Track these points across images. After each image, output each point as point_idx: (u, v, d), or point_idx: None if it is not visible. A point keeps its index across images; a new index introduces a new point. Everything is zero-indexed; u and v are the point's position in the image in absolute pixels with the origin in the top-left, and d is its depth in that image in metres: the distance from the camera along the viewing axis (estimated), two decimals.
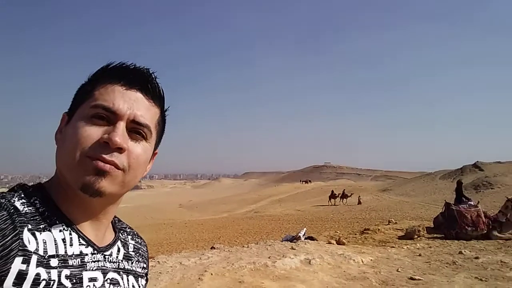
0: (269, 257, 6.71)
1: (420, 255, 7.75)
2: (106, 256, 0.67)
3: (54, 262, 0.56)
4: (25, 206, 0.59)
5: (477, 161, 46.27)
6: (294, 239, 9.77)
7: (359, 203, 29.58)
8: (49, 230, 0.59)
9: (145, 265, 0.78)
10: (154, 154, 0.72)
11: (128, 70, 0.67)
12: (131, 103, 0.64)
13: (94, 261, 0.63)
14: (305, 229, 11.11)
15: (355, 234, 12.21)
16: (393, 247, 9.01)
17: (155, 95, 0.69)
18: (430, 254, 7.89)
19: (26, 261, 0.53)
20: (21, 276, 0.52)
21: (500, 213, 10.16)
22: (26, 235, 0.55)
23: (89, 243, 0.64)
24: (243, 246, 8.51)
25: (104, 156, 0.59)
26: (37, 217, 0.59)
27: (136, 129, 0.64)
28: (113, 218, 0.74)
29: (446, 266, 6.61)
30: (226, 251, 7.84)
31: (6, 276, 0.51)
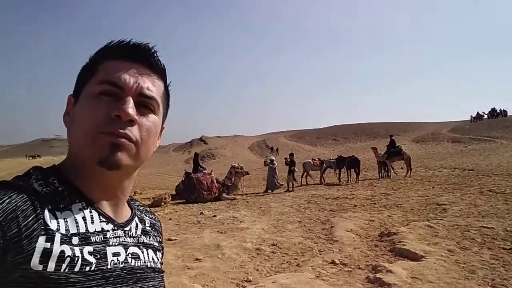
0: None
1: (170, 219, 8.60)
2: (126, 232, 0.69)
3: (75, 240, 0.57)
4: (43, 187, 0.59)
5: (203, 136, 54.18)
6: None
7: None
8: (69, 209, 0.59)
9: (160, 239, 0.80)
10: (161, 128, 0.73)
11: (130, 46, 0.67)
12: (137, 77, 0.65)
13: (116, 237, 0.65)
14: None
15: None
16: None
17: (158, 69, 0.70)
18: (178, 217, 8.89)
19: (50, 240, 0.54)
20: (46, 254, 0.53)
21: (227, 178, 12.62)
22: (47, 215, 0.56)
23: (109, 219, 0.65)
24: None
25: (117, 129, 0.60)
26: (57, 197, 0.59)
27: (144, 103, 0.65)
28: None
29: (193, 225, 7.69)
30: None
31: (32, 255, 0.52)
